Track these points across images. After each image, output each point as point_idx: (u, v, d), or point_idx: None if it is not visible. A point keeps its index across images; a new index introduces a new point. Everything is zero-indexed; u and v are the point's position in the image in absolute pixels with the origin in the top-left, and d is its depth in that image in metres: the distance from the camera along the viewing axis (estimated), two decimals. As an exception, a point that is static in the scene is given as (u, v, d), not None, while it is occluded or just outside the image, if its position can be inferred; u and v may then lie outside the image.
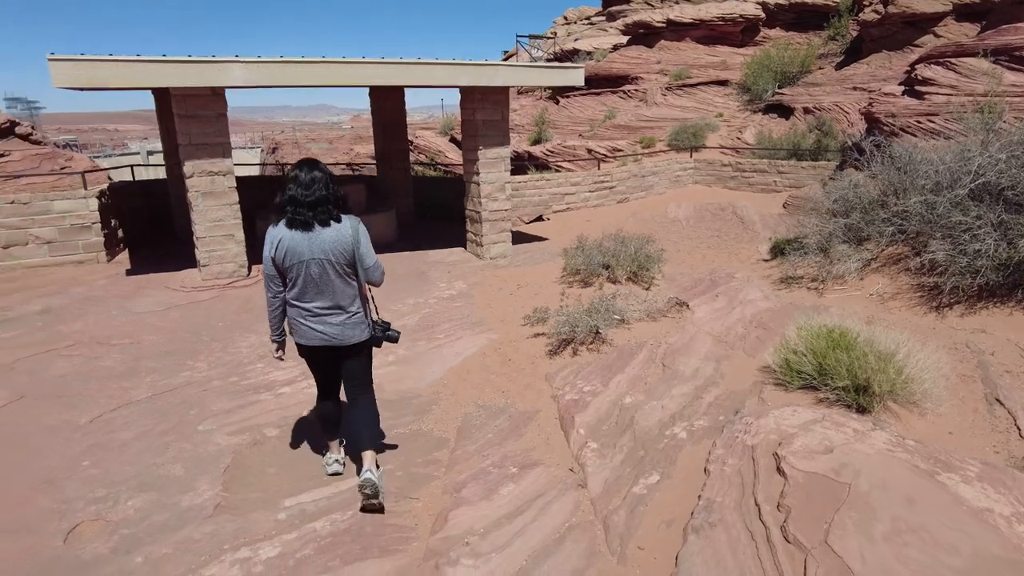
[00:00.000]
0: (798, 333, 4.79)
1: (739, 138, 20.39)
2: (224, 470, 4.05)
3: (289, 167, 3.64)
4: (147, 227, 12.25)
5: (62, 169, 20.59)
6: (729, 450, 3.66)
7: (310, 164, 3.49)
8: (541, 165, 18.42)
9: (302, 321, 3.56)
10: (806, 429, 3.64)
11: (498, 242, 10.26)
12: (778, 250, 9.78)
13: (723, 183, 16.09)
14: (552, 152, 19.55)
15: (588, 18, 43.31)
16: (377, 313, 3.86)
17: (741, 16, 26.37)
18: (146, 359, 5.95)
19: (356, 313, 3.61)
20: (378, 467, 3.66)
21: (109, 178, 20.47)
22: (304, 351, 3.70)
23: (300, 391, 5.20)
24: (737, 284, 8.28)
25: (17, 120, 21.81)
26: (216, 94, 7.96)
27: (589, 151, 19.11)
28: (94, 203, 9.80)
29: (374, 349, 3.87)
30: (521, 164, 20.44)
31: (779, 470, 3.30)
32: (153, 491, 3.83)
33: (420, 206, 13.69)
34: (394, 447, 4.41)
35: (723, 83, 24.02)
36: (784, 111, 21.15)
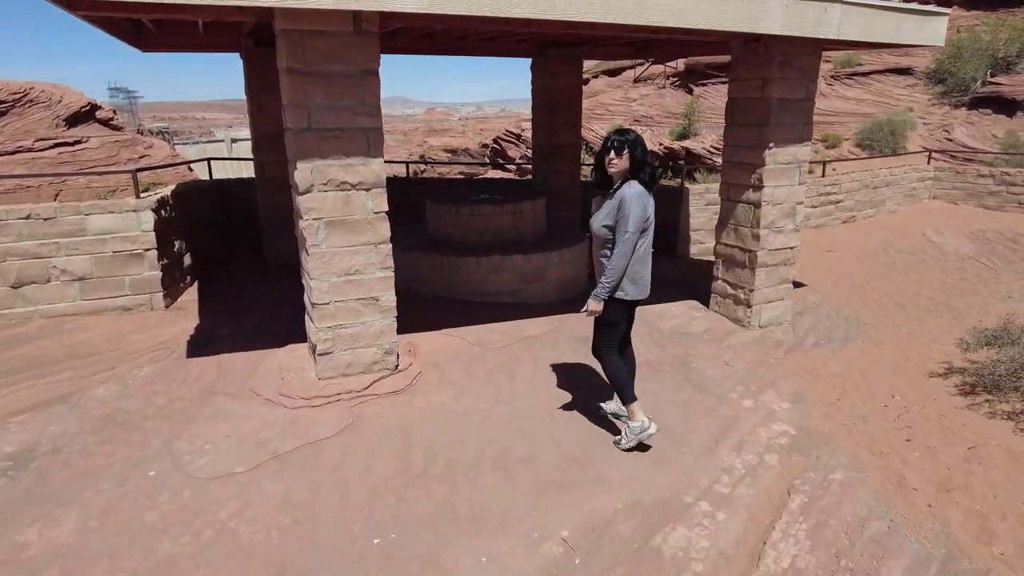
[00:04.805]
0: None
1: (948, 138, 15.40)
2: None
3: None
4: (223, 248, 8.33)
5: (140, 158, 17.37)
6: None
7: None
8: (709, 168, 13.88)
9: (645, 275, 3.48)
10: None
11: (774, 300, 5.98)
12: None
13: (977, 200, 11.30)
14: (717, 149, 14.97)
15: None
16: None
17: (916, -8, 21.04)
18: None
19: None
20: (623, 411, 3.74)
21: (190, 168, 17.06)
22: (628, 306, 3.54)
23: None
24: None
25: (98, 104, 18.66)
26: (361, 32, 3.89)
27: (763, 151, 14.45)
28: (149, 220, 5.96)
29: None
30: (669, 164, 15.99)
31: None
32: None
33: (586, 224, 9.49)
34: None
35: (904, 71, 18.90)
36: (1003, 105, 16.03)
